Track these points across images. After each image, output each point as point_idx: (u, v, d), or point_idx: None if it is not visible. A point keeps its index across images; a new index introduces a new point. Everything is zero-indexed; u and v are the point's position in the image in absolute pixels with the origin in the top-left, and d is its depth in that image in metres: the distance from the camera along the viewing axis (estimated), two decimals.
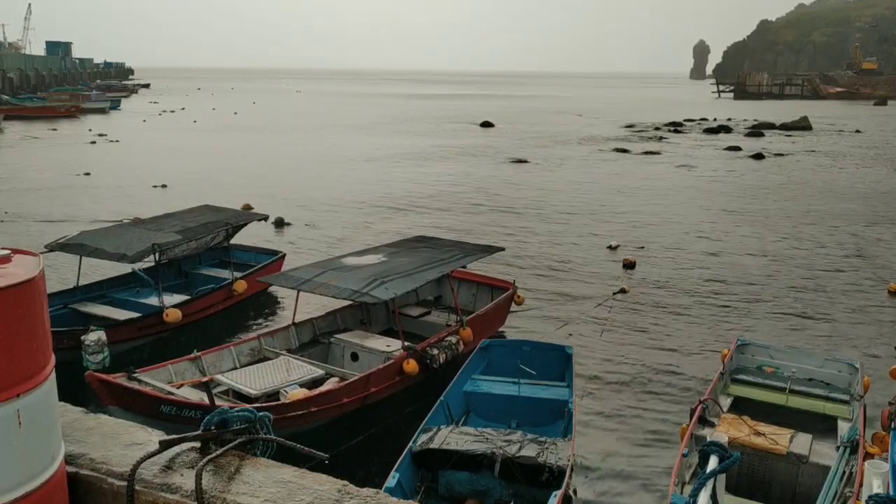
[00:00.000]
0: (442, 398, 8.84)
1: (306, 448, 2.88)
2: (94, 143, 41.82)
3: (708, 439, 4.59)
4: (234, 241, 15.06)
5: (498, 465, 7.18)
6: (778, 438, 7.41)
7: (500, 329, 12.77)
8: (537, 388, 9.28)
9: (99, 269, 14.24)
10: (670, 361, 11.69)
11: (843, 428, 7.85)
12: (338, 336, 10.99)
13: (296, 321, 11.13)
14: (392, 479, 6.94)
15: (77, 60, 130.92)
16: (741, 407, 8.67)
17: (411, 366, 9.73)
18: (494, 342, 10.58)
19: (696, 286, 15.79)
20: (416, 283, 10.58)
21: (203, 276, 14.36)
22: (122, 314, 11.86)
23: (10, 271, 2.36)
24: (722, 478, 4.07)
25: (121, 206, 23.24)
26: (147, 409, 7.90)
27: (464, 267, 12.30)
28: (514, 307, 13.17)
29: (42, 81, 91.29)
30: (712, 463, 3.88)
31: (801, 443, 7.39)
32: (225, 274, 13.92)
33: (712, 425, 7.85)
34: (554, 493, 6.69)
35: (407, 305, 12.61)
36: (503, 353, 10.13)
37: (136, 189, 26.52)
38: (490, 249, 13.07)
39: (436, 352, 10.15)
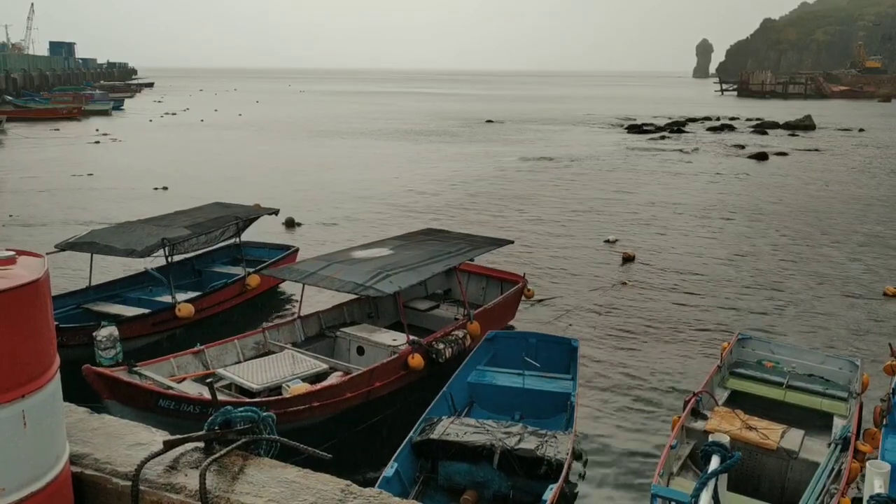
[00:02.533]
0: (445, 389, 8.85)
1: (310, 448, 2.90)
2: (98, 142, 41.87)
3: (710, 438, 4.58)
4: (246, 238, 15.02)
5: (496, 457, 7.18)
6: (769, 433, 7.40)
7: (510, 323, 12.68)
8: (542, 381, 9.26)
9: (112, 269, 14.30)
10: (672, 355, 11.71)
11: (839, 425, 7.84)
12: (344, 330, 10.87)
13: (302, 314, 11.04)
14: (390, 469, 6.97)
15: (80, 60, 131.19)
16: (738, 401, 8.65)
17: (416, 360, 9.64)
18: (501, 333, 10.56)
19: (695, 282, 15.82)
20: (421, 277, 10.47)
21: (216, 273, 14.32)
22: (134, 312, 11.86)
23: (15, 272, 2.37)
24: (724, 478, 4.06)
25: (123, 207, 23.26)
26: (144, 403, 7.86)
27: (471, 260, 12.16)
28: (524, 301, 13.04)
29: (46, 82, 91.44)
30: (714, 463, 3.88)
31: (793, 438, 7.38)
32: (238, 271, 13.89)
33: (705, 418, 7.85)
34: (551, 485, 6.70)
35: (416, 299, 12.51)
36: (509, 345, 10.11)
37: (138, 190, 26.55)
38: (498, 242, 12.91)
39: (442, 346, 10.04)
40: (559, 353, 9.89)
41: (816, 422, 8.14)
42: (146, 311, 11.86)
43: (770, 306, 14.36)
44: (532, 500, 7.04)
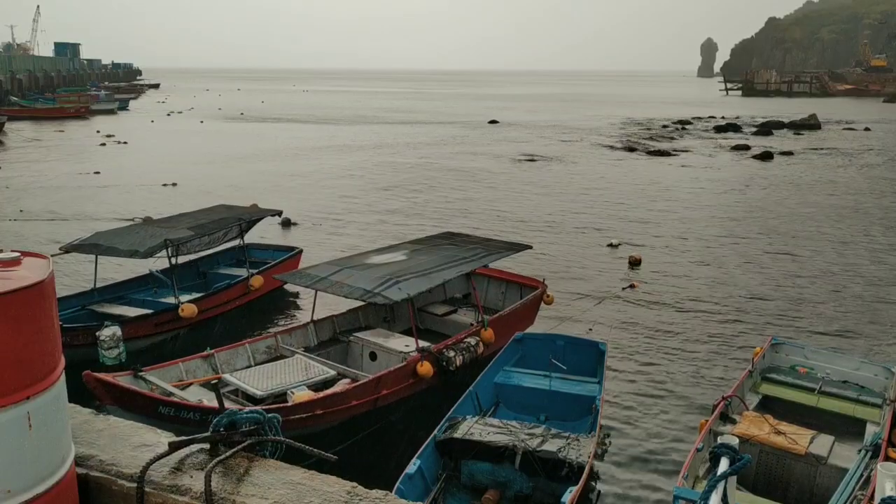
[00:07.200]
0: (471, 388, 8.88)
1: (315, 449, 2.88)
2: (103, 144, 42.01)
3: (718, 439, 4.55)
4: (250, 240, 15.05)
5: (519, 457, 7.24)
6: (798, 438, 7.38)
7: (529, 330, 12.25)
8: (568, 383, 9.25)
9: (117, 272, 14.36)
10: (696, 360, 11.62)
11: (871, 431, 7.78)
12: (357, 335, 10.69)
13: (315, 319, 10.85)
14: (413, 466, 7.06)
15: (86, 61, 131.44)
16: (770, 406, 8.61)
17: (425, 368, 9.40)
18: (529, 335, 10.50)
19: (709, 285, 15.65)
20: (432, 283, 10.27)
21: (220, 275, 14.35)
22: (138, 313, 11.88)
23: (20, 274, 2.37)
24: (732, 479, 4.04)
25: (131, 204, 23.39)
26: (144, 409, 7.84)
27: (486, 266, 11.93)
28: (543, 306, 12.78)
29: (51, 82, 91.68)
30: (723, 465, 3.85)
31: (822, 444, 7.35)
32: (242, 272, 13.90)
33: (734, 422, 7.85)
34: (570, 487, 6.73)
35: (433, 304, 12.32)
36: (537, 347, 10.09)
37: (145, 188, 26.68)
38: (516, 247, 12.58)
39: (452, 354, 9.80)
40: (586, 357, 9.86)
41: (850, 428, 8.08)
42: (150, 311, 11.89)
43: (790, 311, 14.07)
44: (553, 502, 7.06)
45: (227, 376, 9.14)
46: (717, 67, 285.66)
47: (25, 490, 2.29)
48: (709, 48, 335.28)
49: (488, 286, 13.02)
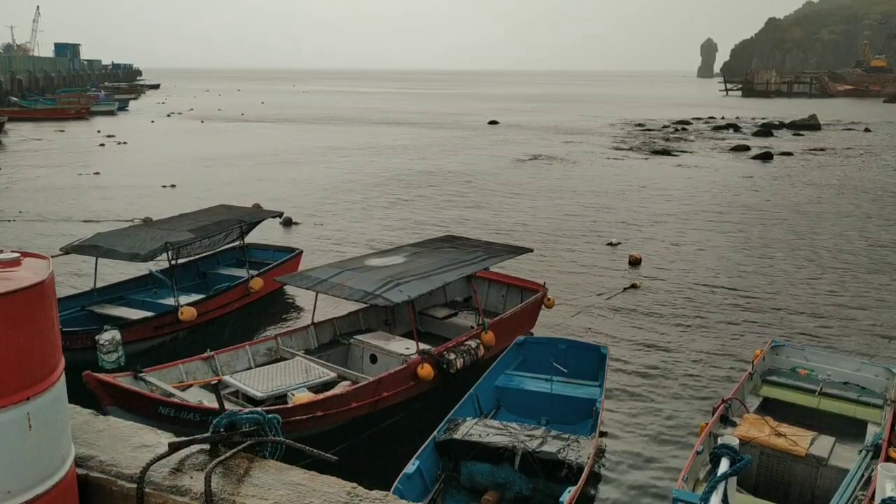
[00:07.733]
0: (472, 391, 8.89)
1: (315, 450, 2.88)
2: (103, 145, 42.01)
3: (719, 441, 4.55)
4: (251, 240, 15.03)
5: (518, 458, 7.26)
6: (798, 440, 7.37)
7: (530, 332, 12.28)
8: (569, 387, 9.28)
9: (117, 272, 14.35)
10: (697, 362, 11.60)
11: (872, 432, 7.79)
12: (357, 337, 10.72)
13: (315, 321, 10.87)
14: (412, 466, 7.07)
15: (85, 62, 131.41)
16: (771, 408, 8.60)
17: (426, 370, 9.42)
18: (531, 339, 10.55)
19: (709, 286, 15.61)
20: (432, 286, 10.29)
21: (221, 275, 14.34)
22: (138, 315, 11.87)
23: (20, 275, 2.37)
24: (733, 480, 4.04)
25: (131, 205, 23.39)
26: (145, 410, 7.83)
27: (486, 269, 11.95)
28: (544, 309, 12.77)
29: (51, 83, 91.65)
30: (723, 466, 3.86)
31: (822, 445, 7.35)
32: (242, 273, 13.89)
33: (734, 424, 7.85)
34: (569, 488, 6.73)
35: (434, 306, 12.34)
36: (538, 350, 10.13)
37: (147, 189, 26.68)
38: (517, 251, 12.60)
39: (453, 356, 9.81)
40: (588, 360, 9.89)
41: (851, 429, 8.07)
42: (149, 313, 11.87)
43: (790, 312, 14.02)
44: (552, 503, 7.06)
45: (227, 378, 9.14)
46: (717, 68, 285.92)
47: (25, 490, 2.29)
48: (709, 48, 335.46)
49: (489, 289, 13.04)
